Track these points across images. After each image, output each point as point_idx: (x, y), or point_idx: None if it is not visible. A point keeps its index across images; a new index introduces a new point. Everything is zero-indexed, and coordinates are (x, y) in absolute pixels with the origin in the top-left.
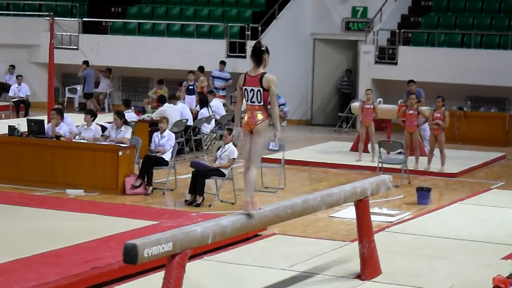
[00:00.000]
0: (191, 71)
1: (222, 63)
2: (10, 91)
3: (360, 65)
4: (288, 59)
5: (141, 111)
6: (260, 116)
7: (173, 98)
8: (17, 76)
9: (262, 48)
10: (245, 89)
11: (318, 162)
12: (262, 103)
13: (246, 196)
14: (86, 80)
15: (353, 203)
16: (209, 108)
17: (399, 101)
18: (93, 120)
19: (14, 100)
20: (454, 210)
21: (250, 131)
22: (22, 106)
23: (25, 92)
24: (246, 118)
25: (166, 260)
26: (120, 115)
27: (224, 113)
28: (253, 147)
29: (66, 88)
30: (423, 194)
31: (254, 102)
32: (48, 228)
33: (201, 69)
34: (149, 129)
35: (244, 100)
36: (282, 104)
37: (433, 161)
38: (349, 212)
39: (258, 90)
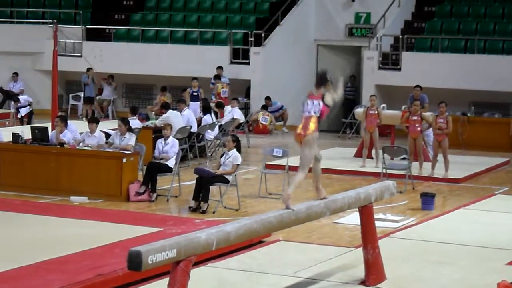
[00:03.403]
0: (194, 78)
1: (220, 68)
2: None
3: (363, 71)
4: (291, 65)
5: (144, 118)
6: (313, 126)
7: (182, 102)
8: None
9: (327, 77)
10: (307, 101)
11: (322, 168)
12: (318, 115)
13: (289, 190)
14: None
15: (357, 209)
16: (212, 115)
17: (403, 107)
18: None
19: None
20: (458, 215)
21: (300, 142)
22: (25, 114)
23: (19, 87)
24: (298, 129)
25: (170, 267)
26: (124, 121)
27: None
28: (302, 156)
29: (70, 95)
30: (427, 200)
31: (310, 112)
32: (53, 235)
33: (218, 77)
34: (153, 136)
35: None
36: (280, 108)
37: (437, 167)
38: (353, 218)
39: (318, 102)
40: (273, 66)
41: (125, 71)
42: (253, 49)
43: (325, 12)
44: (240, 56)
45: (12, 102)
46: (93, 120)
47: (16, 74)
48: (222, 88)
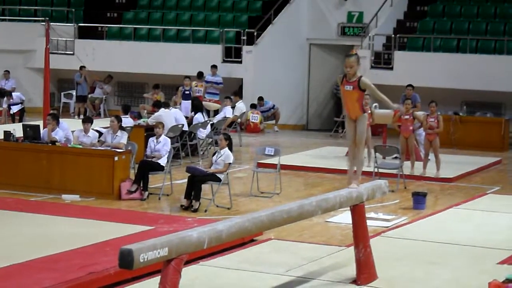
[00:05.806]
0: (187, 76)
1: (214, 67)
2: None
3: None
4: (284, 64)
5: (136, 116)
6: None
7: (166, 106)
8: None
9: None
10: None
11: (314, 167)
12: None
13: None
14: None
15: (349, 208)
16: (203, 113)
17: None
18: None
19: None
20: (450, 215)
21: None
22: (17, 112)
23: (11, 85)
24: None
25: (162, 265)
26: (118, 118)
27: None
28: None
29: (62, 93)
30: (418, 199)
31: None
32: (44, 234)
33: (199, 74)
34: (145, 134)
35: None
36: (271, 108)
37: (428, 166)
38: (345, 217)
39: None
40: (265, 64)
41: (117, 69)
42: (245, 48)
43: (318, 11)
44: (232, 54)
45: (5, 98)
46: (87, 120)
47: (7, 72)
48: (196, 87)
